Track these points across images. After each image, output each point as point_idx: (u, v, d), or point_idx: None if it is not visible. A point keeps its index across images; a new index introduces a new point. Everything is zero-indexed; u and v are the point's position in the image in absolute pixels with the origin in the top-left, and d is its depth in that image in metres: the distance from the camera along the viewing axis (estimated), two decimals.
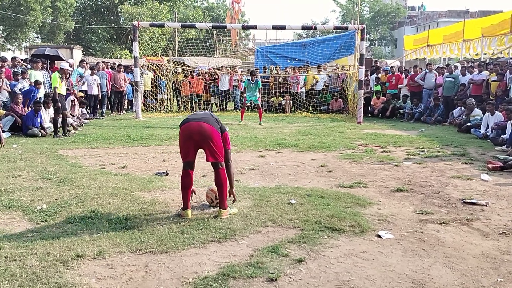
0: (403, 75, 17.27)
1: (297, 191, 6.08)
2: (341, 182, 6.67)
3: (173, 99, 19.47)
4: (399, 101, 16.76)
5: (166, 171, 7.32)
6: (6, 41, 34.01)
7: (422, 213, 5.27)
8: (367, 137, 11.30)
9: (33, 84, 12.67)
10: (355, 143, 10.25)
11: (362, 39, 15.16)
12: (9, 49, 35.80)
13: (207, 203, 5.48)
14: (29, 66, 13.56)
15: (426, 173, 7.37)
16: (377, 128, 13.39)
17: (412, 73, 16.78)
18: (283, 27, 15.97)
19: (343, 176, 7.10)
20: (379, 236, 4.51)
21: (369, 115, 16.69)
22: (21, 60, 15.45)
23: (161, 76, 18.82)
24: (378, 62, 22.64)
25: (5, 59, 14.10)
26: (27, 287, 3.39)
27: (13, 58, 14.82)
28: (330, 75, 18.23)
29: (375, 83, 17.44)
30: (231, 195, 5.24)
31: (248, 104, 15.32)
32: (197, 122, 4.88)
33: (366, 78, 16.63)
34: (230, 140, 5.26)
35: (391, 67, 19.44)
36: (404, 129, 13.05)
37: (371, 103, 17.04)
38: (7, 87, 12.45)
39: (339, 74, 18.11)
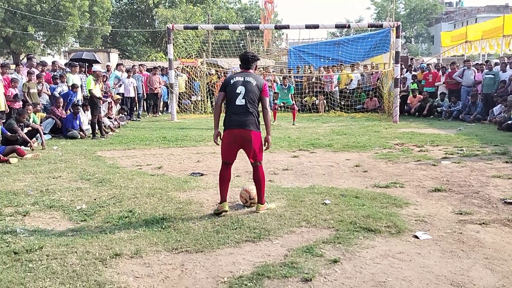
0: (440, 73, 16.87)
1: (332, 191, 6.03)
2: (376, 182, 6.58)
3: (207, 101, 19.65)
4: (437, 99, 16.39)
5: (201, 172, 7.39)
6: (46, 46, 35.05)
7: (461, 214, 5.14)
8: (404, 136, 11.10)
9: (70, 88, 13.04)
10: (391, 143, 10.09)
11: (397, 37, 14.90)
12: (49, 53, 36.93)
13: (241, 203, 5.51)
14: (68, 70, 13.96)
15: (465, 172, 7.18)
16: (414, 127, 13.13)
17: (450, 70, 16.37)
18: (316, 26, 15.87)
19: (378, 176, 7.00)
20: (416, 237, 4.43)
21: (406, 113, 16.37)
22: (61, 64, 15.93)
23: (195, 78, 19.03)
24: (414, 59, 22.21)
25: (45, 64, 14.55)
26: (67, 284, 3.50)
27: (53, 63, 15.29)
28: (363, 73, 17.99)
29: (412, 81, 17.11)
30: (266, 143, 5.22)
31: (281, 105, 15.29)
32: (239, 129, 5.06)
33: (402, 76, 16.34)
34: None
35: (428, 64, 19.02)
36: (442, 128, 12.75)
37: (408, 102, 16.71)
38: (47, 90, 12.86)
39: (373, 72, 17.85)
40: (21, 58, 31.73)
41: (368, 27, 19.16)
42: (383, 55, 19.28)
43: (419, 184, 6.50)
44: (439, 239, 4.40)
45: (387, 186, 6.37)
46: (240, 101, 5.06)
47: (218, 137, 5.27)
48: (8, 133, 9.04)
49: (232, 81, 5.17)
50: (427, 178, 6.83)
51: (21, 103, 11.54)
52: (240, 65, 5.40)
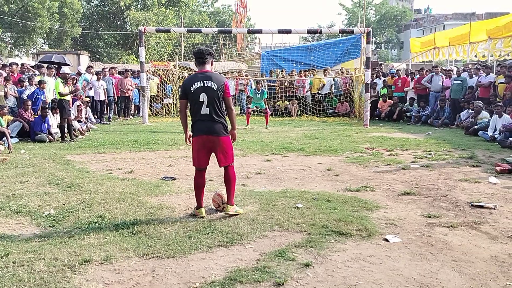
0: (409, 78, 17.22)
1: (304, 195, 6.07)
2: (348, 186, 6.65)
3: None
4: (406, 104, 16.71)
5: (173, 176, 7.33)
6: (14, 47, 34.31)
7: (430, 217, 5.24)
8: (374, 140, 11.27)
9: (37, 86, 12.71)
10: (361, 147, 10.22)
11: (368, 42, 15.15)
12: (16, 55, 36.11)
13: (214, 207, 5.49)
14: (37, 73, 13.65)
15: (434, 176, 7.34)
16: (384, 131, 13.36)
17: (419, 76, 16.72)
18: (288, 31, 15.99)
19: (350, 180, 7.08)
20: (386, 240, 4.49)
21: (376, 118, 16.64)
22: (30, 66, 15.56)
23: (167, 81, 18.89)
24: (383, 65, 22.58)
25: (16, 64, 14.17)
26: None
27: (22, 65, 14.93)
28: (335, 78, 18.20)
29: (382, 86, 17.40)
30: (232, 137, 5.35)
31: (254, 108, 15.30)
32: (208, 135, 5.09)
33: (373, 81, 16.60)
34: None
35: (397, 70, 19.38)
36: (411, 132, 13.01)
37: (378, 106, 16.99)
38: (15, 93, 12.55)
39: (344, 77, 18.07)
40: None
41: (340, 32, 19.46)
42: (354, 60, 19.55)
43: (389, 188, 6.60)
44: (408, 242, 4.47)
45: (358, 189, 6.45)
46: (205, 110, 5.06)
47: (189, 139, 5.32)
48: None
49: (192, 89, 5.07)
50: (397, 182, 6.95)
51: None
52: (195, 63, 5.29)
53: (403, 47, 65.28)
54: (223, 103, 5.19)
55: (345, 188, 6.54)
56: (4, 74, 12.41)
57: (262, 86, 14.64)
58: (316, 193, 6.18)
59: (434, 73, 16.03)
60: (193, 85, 5.07)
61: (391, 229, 4.82)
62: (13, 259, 3.98)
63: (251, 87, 17.16)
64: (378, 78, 18.01)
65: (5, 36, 33.36)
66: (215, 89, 5.06)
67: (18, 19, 31.00)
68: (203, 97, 5.04)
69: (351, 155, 9.28)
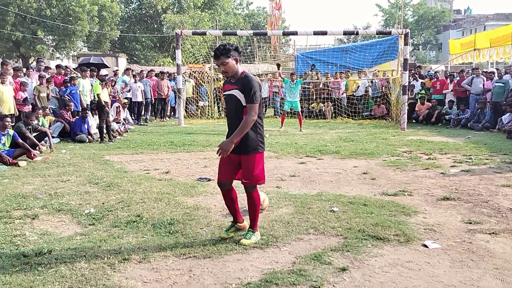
0: (448, 80, 16.83)
1: (339, 199, 6.01)
2: (385, 190, 6.55)
3: (214, 106, 19.69)
4: (445, 106, 16.33)
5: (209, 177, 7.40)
6: (55, 50, 35.31)
7: (471, 223, 5.10)
8: (412, 143, 11.06)
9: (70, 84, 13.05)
10: (399, 150, 10.05)
11: (405, 44, 14.90)
12: (58, 57, 37.18)
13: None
14: (78, 75, 14.04)
15: (474, 181, 7.14)
16: (422, 134, 13.09)
17: (458, 78, 16.32)
18: (324, 33, 15.89)
19: (387, 184, 6.98)
20: (425, 246, 4.40)
21: (413, 121, 16.34)
22: (73, 69, 16.03)
23: (203, 83, 19.08)
24: (421, 67, 22.16)
25: (59, 66, 14.59)
26: None
27: (66, 67, 15.38)
28: (372, 80, 17.97)
29: (420, 88, 17.08)
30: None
31: (288, 110, 15.17)
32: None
33: (410, 83, 16.32)
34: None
35: (436, 72, 18.97)
36: (450, 136, 12.70)
37: (416, 109, 16.68)
38: (56, 94, 12.93)
39: (381, 79, 17.82)
40: (30, 62, 31.97)
41: (376, 34, 19.15)
42: (391, 62, 19.27)
43: (427, 193, 6.46)
44: (448, 248, 4.37)
45: (396, 194, 6.35)
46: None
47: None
48: (20, 140, 9.10)
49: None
50: (436, 187, 6.80)
51: (30, 106, 11.62)
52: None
53: (441, 49, 63.82)
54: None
55: (382, 192, 6.44)
56: (47, 76, 12.81)
57: (296, 78, 14.51)
58: (352, 197, 6.12)
59: (474, 75, 15.60)
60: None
61: (430, 235, 4.72)
62: (55, 256, 4.10)
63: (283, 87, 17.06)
64: (415, 80, 17.68)
65: (47, 39, 34.39)
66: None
67: (60, 23, 31.94)
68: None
69: (388, 158, 9.14)
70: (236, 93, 4.32)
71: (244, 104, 4.30)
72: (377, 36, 21.51)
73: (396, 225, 4.90)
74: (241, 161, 4.44)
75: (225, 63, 4.27)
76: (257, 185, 4.55)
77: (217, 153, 4.38)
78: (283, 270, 3.82)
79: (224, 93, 4.54)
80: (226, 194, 4.59)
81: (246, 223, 4.68)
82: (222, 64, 4.28)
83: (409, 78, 15.74)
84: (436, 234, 4.75)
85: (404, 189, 6.57)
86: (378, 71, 18.72)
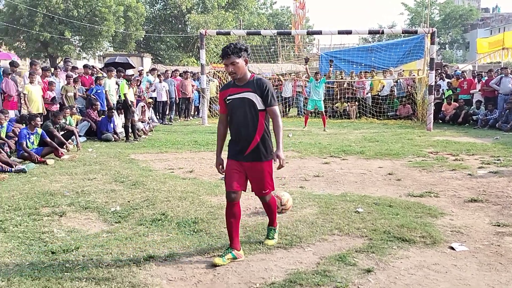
0: (476, 80, 16.50)
1: (364, 200, 5.96)
2: (410, 191, 6.46)
3: None
4: (472, 107, 16.01)
5: None
6: (81, 50, 35.96)
7: (499, 225, 4.99)
8: (438, 144, 10.88)
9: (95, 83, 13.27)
10: (425, 151, 9.90)
11: (432, 43, 14.67)
12: (84, 57, 37.85)
13: None
14: (104, 74, 14.26)
15: (503, 183, 6.97)
16: (449, 135, 12.86)
17: (487, 77, 15.98)
18: (349, 32, 15.78)
19: (412, 185, 6.88)
20: (452, 248, 4.33)
21: (440, 121, 16.07)
22: (99, 69, 16.28)
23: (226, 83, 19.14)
24: (447, 66, 21.79)
25: (87, 67, 14.85)
26: (103, 285, 3.56)
27: (93, 67, 15.64)
28: (397, 80, 17.74)
29: (446, 88, 16.79)
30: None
31: (312, 110, 15.04)
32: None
33: (436, 83, 16.06)
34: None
35: (463, 71, 18.64)
36: (477, 136, 12.44)
37: (442, 109, 16.40)
38: (83, 94, 13.16)
39: (406, 78, 17.57)
40: (57, 62, 32.62)
41: (402, 33, 18.98)
42: (417, 62, 18.99)
43: (454, 194, 6.35)
44: (476, 251, 4.28)
45: (422, 195, 6.25)
46: None
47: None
48: (48, 139, 9.29)
49: None
50: (463, 188, 6.67)
51: (58, 105, 11.85)
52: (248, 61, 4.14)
53: (469, 48, 62.62)
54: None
55: (407, 193, 6.36)
56: (74, 76, 13.04)
57: (321, 77, 14.42)
58: (377, 198, 6.05)
59: (503, 75, 15.26)
60: None
61: (457, 237, 4.63)
62: (82, 253, 4.18)
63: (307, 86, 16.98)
64: (442, 80, 17.39)
65: (74, 39, 35.03)
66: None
67: (86, 23, 32.51)
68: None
69: (414, 159, 9.01)
70: (252, 96, 4.01)
71: (260, 108, 4.02)
72: (402, 35, 21.25)
73: (422, 227, 4.82)
74: (255, 169, 4.11)
75: (235, 63, 3.93)
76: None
77: (279, 168, 3.98)
78: (307, 271, 3.80)
79: (229, 97, 4.07)
80: (232, 209, 4.09)
81: (242, 251, 4.16)
82: (231, 64, 3.93)
83: (435, 78, 15.49)
84: (464, 236, 4.67)
85: (430, 191, 6.47)
86: (403, 70, 18.47)
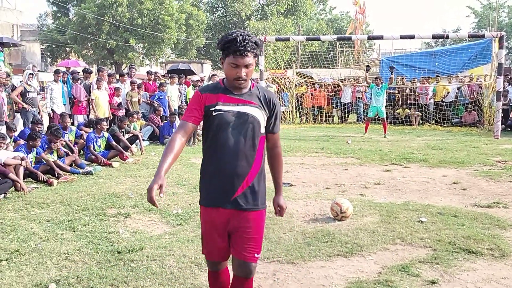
0: None
1: (428, 209, 5.77)
2: (477, 201, 6.19)
3: (295, 111, 19.73)
4: None
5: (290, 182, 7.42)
6: (145, 57, 37.33)
7: None
8: (506, 153, 10.35)
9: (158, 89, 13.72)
10: (492, 159, 9.45)
11: (500, 47, 14.01)
12: (147, 64, 39.27)
13: (332, 216, 5.44)
14: (167, 81, 14.71)
15: None
16: None
17: None
18: (412, 37, 15.38)
19: (479, 195, 6.59)
20: None
21: (508, 129, 15.29)
22: (161, 75, 16.83)
23: (284, 89, 19.20)
24: None
25: (149, 73, 15.40)
26: (166, 286, 3.67)
27: (155, 73, 16.19)
28: (460, 86, 17.04)
29: None
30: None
31: (373, 116, 14.72)
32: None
33: (504, 88, 15.31)
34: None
35: None
36: None
37: (510, 116, 15.60)
38: (147, 99, 13.62)
39: (471, 84, 16.87)
40: (122, 69, 34.00)
41: (469, 37, 18.21)
42: (483, 67, 18.20)
43: None
44: None
45: (489, 205, 5.97)
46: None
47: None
48: (114, 143, 9.68)
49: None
50: None
51: (124, 110, 12.35)
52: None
53: None
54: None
55: (474, 204, 6.10)
56: (138, 82, 13.54)
57: (382, 82, 14.13)
58: (441, 208, 5.84)
59: None
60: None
61: None
62: (146, 253, 4.32)
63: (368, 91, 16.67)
64: (510, 86, 16.55)
65: (138, 46, 36.44)
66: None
67: (150, 31, 33.73)
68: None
69: (480, 168, 8.62)
70: (255, 112, 2.76)
71: (262, 131, 2.81)
72: (468, 39, 20.45)
73: (490, 239, 4.61)
74: (243, 220, 2.80)
75: (250, 66, 2.69)
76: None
77: (279, 214, 3.08)
78: (369, 280, 3.74)
79: (219, 108, 2.75)
80: (218, 279, 2.99)
81: None
82: (245, 67, 2.68)
83: (503, 84, 14.77)
84: None
85: (499, 201, 6.17)
86: (464, 76, 17.73)
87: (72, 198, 6.47)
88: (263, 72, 16.28)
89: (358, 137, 13.77)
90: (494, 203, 6.09)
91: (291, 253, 4.30)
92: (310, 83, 19.56)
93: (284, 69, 22.79)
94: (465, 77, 17.61)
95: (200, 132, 13.06)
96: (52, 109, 11.28)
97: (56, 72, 12.14)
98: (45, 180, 7.41)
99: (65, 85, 11.96)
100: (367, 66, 15.50)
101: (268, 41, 17.24)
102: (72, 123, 11.07)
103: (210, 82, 17.01)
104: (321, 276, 3.86)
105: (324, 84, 19.26)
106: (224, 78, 2.82)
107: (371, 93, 14.35)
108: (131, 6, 32.88)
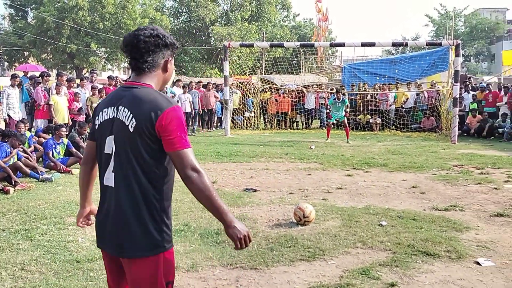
0: (502, 93, 16.22)
1: (388, 213, 5.90)
2: (435, 205, 6.37)
3: (260, 117, 19.82)
4: (498, 120, 15.73)
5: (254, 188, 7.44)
6: (107, 62, 36.69)
7: None
8: (463, 157, 10.71)
9: None
10: (449, 164, 9.75)
11: (457, 55, 14.50)
12: (109, 69, 38.61)
13: (295, 221, 5.48)
14: None
15: None
16: (473, 148, 12.65)
17: None
18: (372, 44, 15.73)
19: (437, 198, 6.78)
20: (478, 263, 4.25)
21: (464, 134, 15.82)
22: (122, 80, 16.56)
23: (249, 95, 19.26)
24: (472, 78, 21.51)
25: (111, 78, 15.13)
26: None
27: (116, 78, 15.90)
28: (424, 91, 17.54)
29: (471, 100, 16.55)
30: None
31: (334, 122, 15.06)
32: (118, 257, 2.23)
33: (461, 95, 15.85)
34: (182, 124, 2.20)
35: (488, 84, 18.35)
36: (504, 150, 12.20)
37: (466, 122, 16.16)
38: None
39: (430, 91, 17.38)
40: (83, 73, 33.31)
41: (426, 45, 18.82)
42: (441, 74, 18.80)
43: (480, 208, 6.24)
44: (502, 266, 4.20)
45: (446, 209, 6.16)
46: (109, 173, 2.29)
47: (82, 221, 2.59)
48: (74, 149, 9.46)
49: (98, 121, 2.34)
50: (489, 202, 6.55)
51: (84, 116, 12.08)
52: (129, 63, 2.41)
53: (494, 60, 61.58)
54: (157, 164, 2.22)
55: (432, 207, 6.27)
56: (99, 87, 13.29)
57: (342, 95, 14.41)
58: (401, 211, 5.98)
59: None
60: (101, 113, 2.32)
61: (483, 252, 4.55)
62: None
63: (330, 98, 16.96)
64: (466, 92, 17.15)
65: (100, 51, 35.78)
66: (132, 126, 2.17)
67: (112, 35, 33.20)
68: (110, 142, 2.27)
69: (438, 172, 8.89)
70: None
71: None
72: (426, 47, 21.08)
73: (447, 241, 4.75)
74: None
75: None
76: None
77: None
78: (330, 284, 3.78)
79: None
80: None
81: None
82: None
83: (460, 90, 15.29)
84: (490, 251, 4.58)
85: (455, 204, 6.37)
86: (420, 84, 18.29)
87: (29, 206, 6.27)
88: (227, 78, 16.28)
89: (321, 142, 13.94)
90: (451, 206, 6.28)
91: (254, 259, 4.30)
92: (275, 89, 19.70)
93: (248, 75, 22.85)
94: (421, 83, 18.14)
95: None
96: (8, 115, 10.92)
97: (13, 76, 11.76)
98: (0, 188, 7.17)
99: (20, 89, 11.56)
100: (336, 89, 15.56)
101: (232, 47, 17.26)
102: (30, 129, 10.76)
103: (174, 87, 16.90)
104: (283, 281, 3.88)
105: (288, 90, 19.44)
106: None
107: (330, 107, 14.69)
108: (93, 10, 32.27)
